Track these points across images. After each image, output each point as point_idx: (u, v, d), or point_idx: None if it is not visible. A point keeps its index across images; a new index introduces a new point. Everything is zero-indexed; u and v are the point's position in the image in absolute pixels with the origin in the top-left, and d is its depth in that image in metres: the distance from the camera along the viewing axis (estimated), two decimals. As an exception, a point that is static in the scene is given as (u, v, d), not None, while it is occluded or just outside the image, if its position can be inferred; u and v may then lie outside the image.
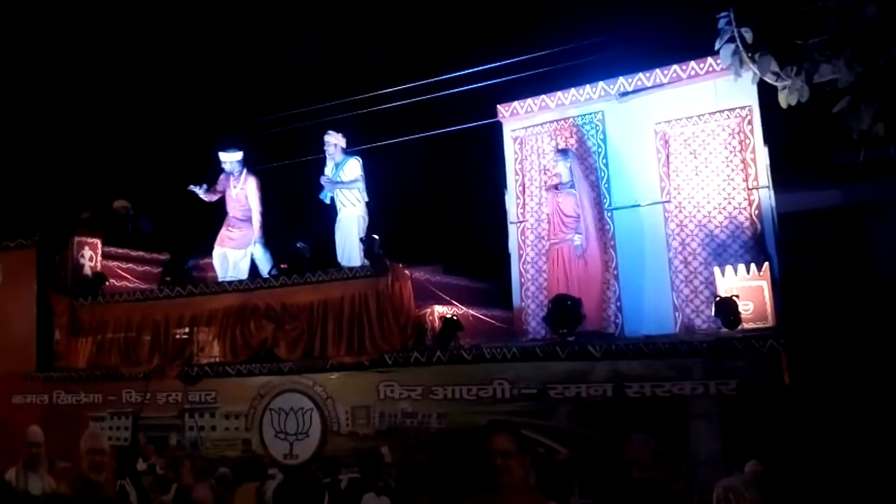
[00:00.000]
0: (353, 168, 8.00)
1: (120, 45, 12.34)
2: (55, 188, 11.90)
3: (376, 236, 6.95)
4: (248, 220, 8.42)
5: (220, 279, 8.28)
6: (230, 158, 8.44)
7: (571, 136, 7.37)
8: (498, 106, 7.77)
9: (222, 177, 8.55)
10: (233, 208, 8.46)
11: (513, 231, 7.56)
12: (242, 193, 8.45)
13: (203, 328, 7.37)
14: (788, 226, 6.61)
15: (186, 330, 7.45)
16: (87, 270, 8.36)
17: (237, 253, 8.39)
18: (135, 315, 7.75)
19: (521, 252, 7.48)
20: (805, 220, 7.61)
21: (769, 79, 5.00)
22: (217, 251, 8.44)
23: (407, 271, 6.57)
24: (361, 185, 8.00)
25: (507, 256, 7.55)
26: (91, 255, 8.46)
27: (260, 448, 6.83)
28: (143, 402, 7.48)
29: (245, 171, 8.53)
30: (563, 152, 7.12)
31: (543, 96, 7.50)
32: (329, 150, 8.09)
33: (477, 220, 9.35)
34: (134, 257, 9.18)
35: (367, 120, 9.83)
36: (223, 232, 8.47)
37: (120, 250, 9.06)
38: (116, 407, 7.63)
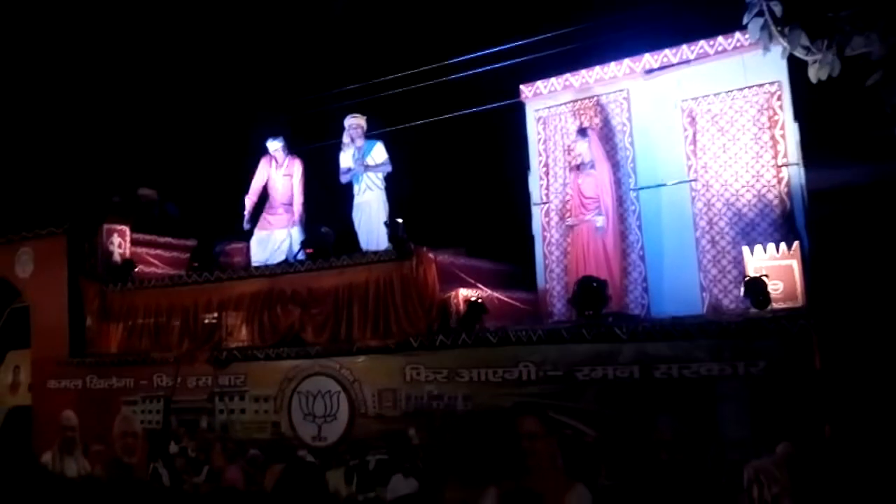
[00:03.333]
0: (381, 151, 7.97)
1: (147, 31, 12.40)
2: (84, 176, 12.04)
3: (400, 220, 6.94)
4: (291, 203, 8.44)
5: (257, 262, 8.23)
6: (274, 146, 8.43)
7: (596, 116, 7.29)
8: (521, 86, 7.69)
9: (263, 161, 8.49)
10: (277, 192, 8.45)
11: (536, 213, 7.51)
12: (287, 178, 8.46)
13: (231, 313, 7.45)
14: (819, 203, 6.47)
15: (215, 315, 7.54)
16: (117, 257, 8.49)
17: (280, 234, 8.34)
18: (164, 300, 7.85)
19: (545, 234, 7.44)
20: (836, 197, 7.44)
21: (799, 53, 4.88)
22: (258, 234, 8.38)
23: (431, 255, 6.57)
24: (389, 168, 7.99)
25: (531, 238, 7.52)
26: (120, 242, 8.60)
27: (289, 430, 6.92)
28: (174, 385, 7.60)
29: (288, 155, 8.53)
30: (582, 132, 7.04)
31: (567, 75, 7.40)
32: (356, 132, 8.05)
33: (500, 201, 9.30)
34: (162, 243, 9.29)
35: (387, 102, 9.78)
36: (265, 215, 8.45)
37: (148, 236, 9.17)
38: (148, 391, 7.76)
